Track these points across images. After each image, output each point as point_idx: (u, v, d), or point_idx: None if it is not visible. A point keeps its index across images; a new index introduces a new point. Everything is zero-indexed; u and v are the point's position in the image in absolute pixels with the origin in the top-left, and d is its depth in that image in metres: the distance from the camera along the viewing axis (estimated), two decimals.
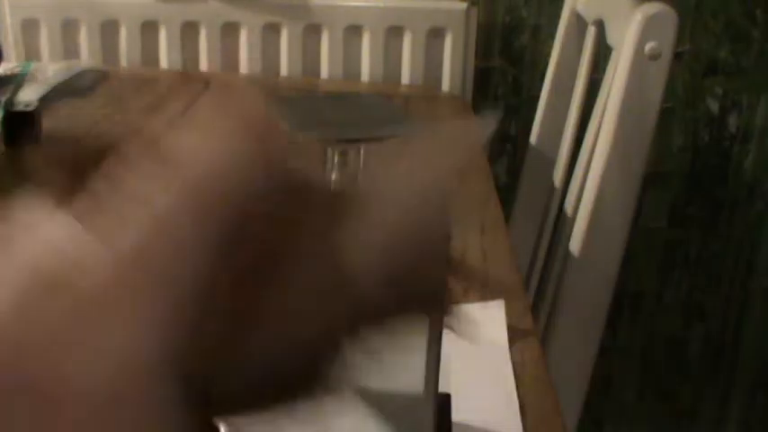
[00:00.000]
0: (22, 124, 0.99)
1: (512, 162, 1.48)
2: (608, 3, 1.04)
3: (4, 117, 1.01)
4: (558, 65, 1.24)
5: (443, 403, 0.51)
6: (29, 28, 1.35)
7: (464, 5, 1.32)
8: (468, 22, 1.33)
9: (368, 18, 1.33)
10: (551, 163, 1.21)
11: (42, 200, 0.22)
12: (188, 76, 1.31)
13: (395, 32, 1.33)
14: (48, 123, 1.05)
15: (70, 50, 1.36)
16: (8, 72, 1.16)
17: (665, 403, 1.63)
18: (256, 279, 0.23)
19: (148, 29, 1.36)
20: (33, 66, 1.21)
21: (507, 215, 1.23)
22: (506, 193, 1.06)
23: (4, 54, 1.33)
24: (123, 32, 1.36)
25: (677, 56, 1.41)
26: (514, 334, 0.62)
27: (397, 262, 0.24)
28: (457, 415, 0.51)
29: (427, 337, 0.43)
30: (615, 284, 1.00)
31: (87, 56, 1.36)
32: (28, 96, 1.10)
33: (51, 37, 1.35)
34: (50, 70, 1.19)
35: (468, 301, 0.67)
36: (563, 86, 1.23)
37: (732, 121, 1.45)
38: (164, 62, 1.37)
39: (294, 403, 0.24)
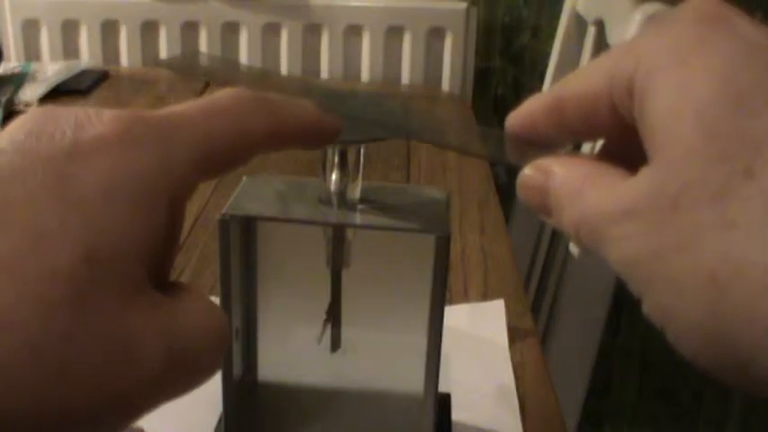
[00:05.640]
0: None
1: None
2: (608, 3, 1.04)
3: (4, 117, 1.01)
4: (558, 65, 1.24)
5: (443, 403, 0.51)
6: (29, 28, 1.35)
7: (464, 5, 1.32)
8: (468, 22, 1.33)
9: (368, 18, 1.33)
10: None
11: None
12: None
13: (395, 32, 1.33)
14: None
15: (70, 50, 1.36)
16: (8, 72, 1.16)
17: (665, 403, 1.63)
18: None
19: (148, 29, 1.36)
20: (33, 66, 1.21)
21: (507, 215, 1.23)
22: (506, 193, 1.05)
23: (4, 54, 1.33)
24: (123, 32, 1.36)
25: None
26: (514, 334, 0.62)
27: None
28: (457, 415, 0.51)
29: (427, 337, 0.43)
30: (615, 284, 1.00)
31: (87, 56, 1.36)
32: (28, 96, 1.10)
33: (51, 37, 1.35)
34: (50, 70, 1.19)
35: (468, 301, 0.67)
36: None
37: None
38: None
39: None
